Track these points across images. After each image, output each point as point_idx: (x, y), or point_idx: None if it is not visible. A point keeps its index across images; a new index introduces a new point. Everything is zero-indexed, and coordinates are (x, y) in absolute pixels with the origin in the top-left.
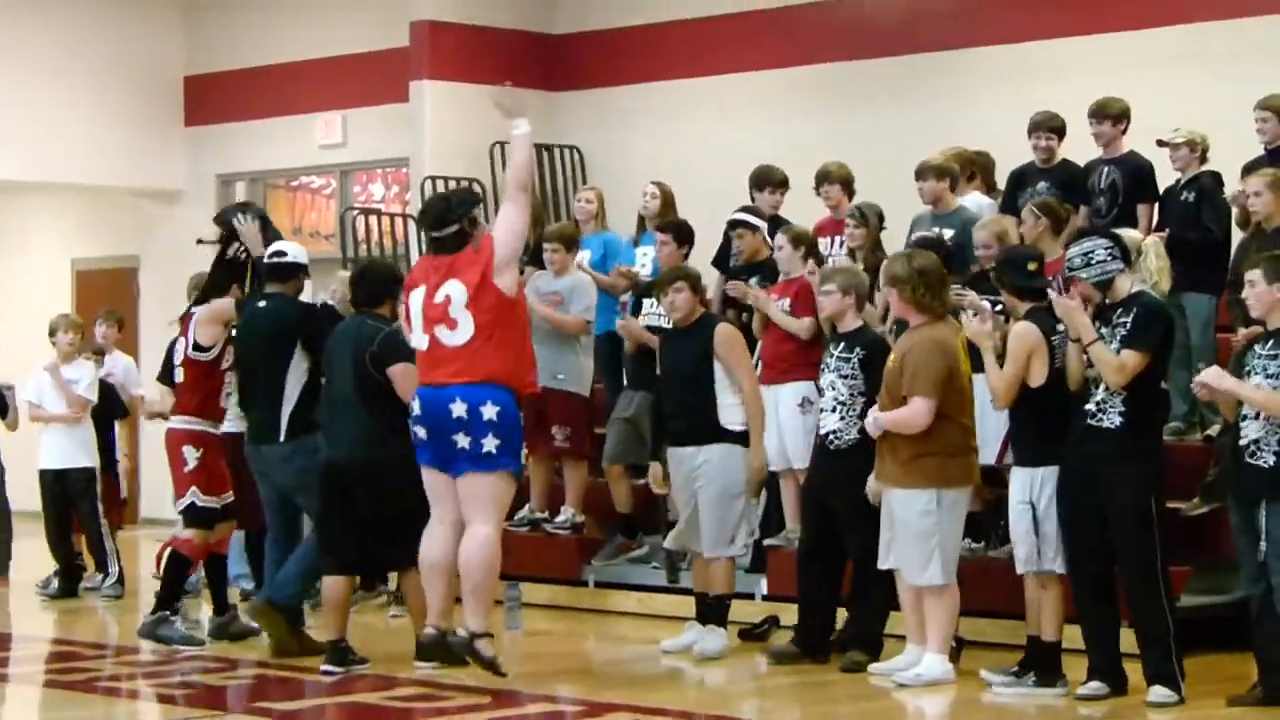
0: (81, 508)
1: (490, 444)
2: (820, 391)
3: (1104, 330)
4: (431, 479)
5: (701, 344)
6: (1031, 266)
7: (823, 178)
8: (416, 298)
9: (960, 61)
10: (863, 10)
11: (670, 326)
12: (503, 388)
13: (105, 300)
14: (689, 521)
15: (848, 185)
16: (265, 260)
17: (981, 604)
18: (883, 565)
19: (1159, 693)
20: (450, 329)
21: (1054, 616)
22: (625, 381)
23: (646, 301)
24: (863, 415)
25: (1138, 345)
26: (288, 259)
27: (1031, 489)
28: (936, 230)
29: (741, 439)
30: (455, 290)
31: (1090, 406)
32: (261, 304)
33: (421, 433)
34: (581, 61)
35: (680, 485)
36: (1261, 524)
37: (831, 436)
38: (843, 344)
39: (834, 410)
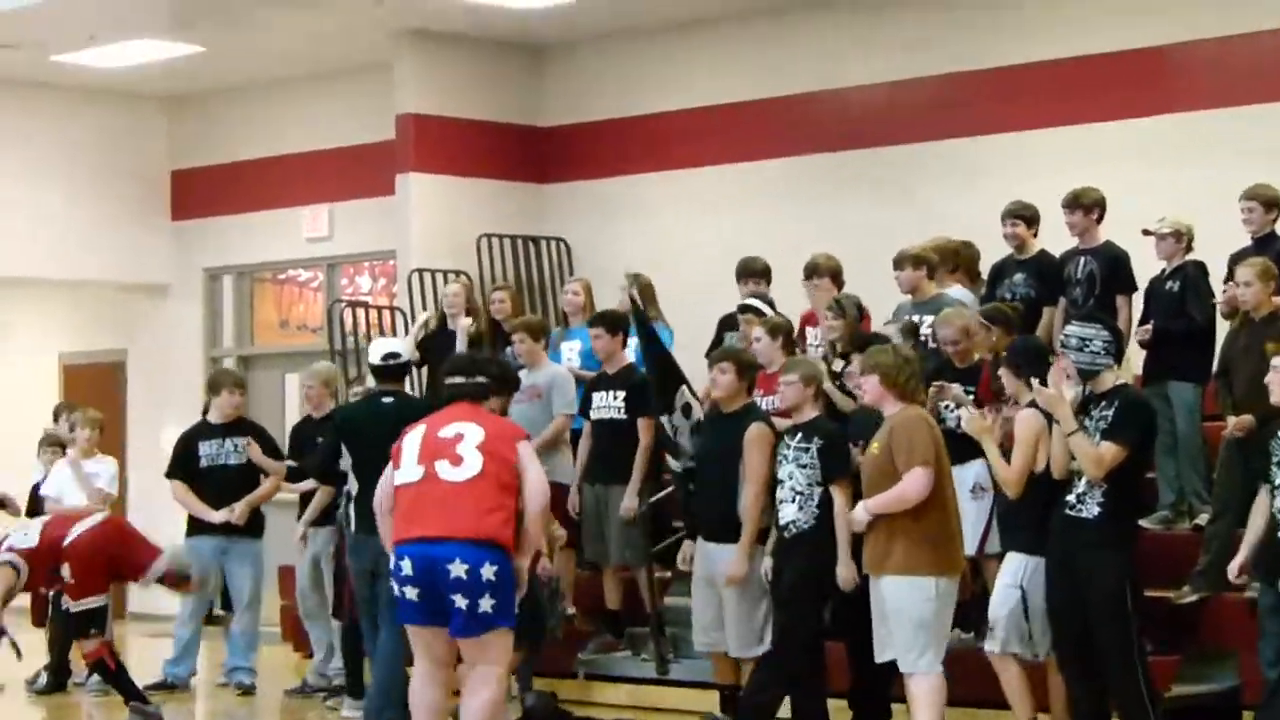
0: None
1: (487, 604)
2: (779, 482)
3: (1086, 421)
4: (422, 635)
5: (738, 434)
6: (1051, 359)
7: (811, 270)
8: (414, 435)
9: (943, 153)
10: (847, 101)
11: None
12: (499, 548)
13: (93, 395)
14: (714, 619)
15: (836, 277)
16: (379, 361)
17: (970, 694)
18: (880, 659)
19: None
20: (453, 464)
21: (1020, 699)
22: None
23: (596, 395)
24: (820, 504)
25: (1118, 438)
26: (403, 359)
27: (1023, 574)
28: (918, 317)
29: (764, 537)
30: (470, 430)
31: (1070, 497)
32: (387, 400)
33: (411, 593)
34: (568, 153)
35: (703, 580)
36: None
37: (791, 526)
38: (800, 434)
39: (792, 500)
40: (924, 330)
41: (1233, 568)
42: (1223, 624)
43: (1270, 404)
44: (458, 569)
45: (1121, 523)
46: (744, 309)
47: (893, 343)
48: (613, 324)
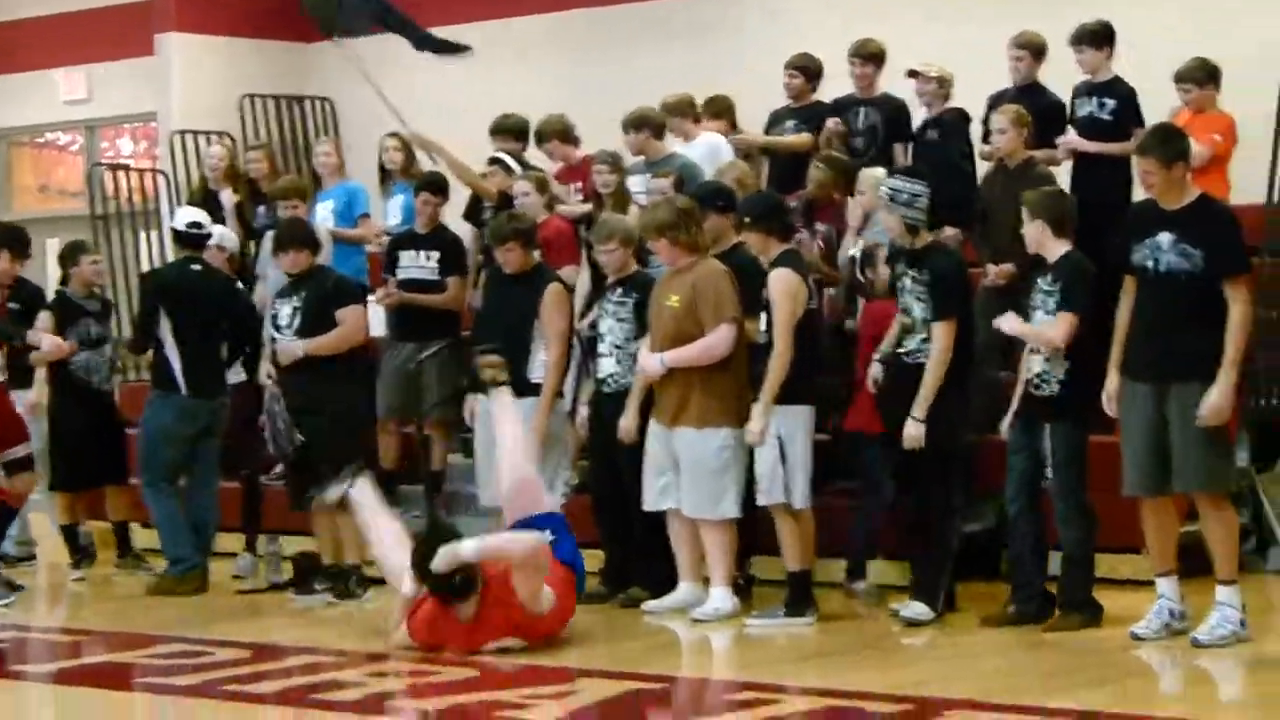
0: None
1: None
2: (600, 335)
3: (908, 274)
4: None
5: (531, 296)
6: (787, 207)
7: (538, 136)
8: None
9: (707, 7)
10: None
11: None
12: None
13: None
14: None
15: (566, 136)
16: (183, 228)
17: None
18: (657, 507)
19: (915, 608)
20: None
21: (796, 548)
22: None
23: (404, 255)
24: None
25: (947, 314)
26: (205, 229)
27: (779, 425)
28: (647, 176)
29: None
30: (510, 640)
31: (911, 346)
32: (196, 267)
33: None
34: None
35: (489, 437)
36: (1045, 445)
37: (610, 380)
38: (619, 289)
39: (610, 355)
40: (643, 187)
41: (1004, 425)
42: (985, 467)
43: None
44: None
45: (953, 370)
46: (493, 161)
47: (668, 195)
48: (443, 189)
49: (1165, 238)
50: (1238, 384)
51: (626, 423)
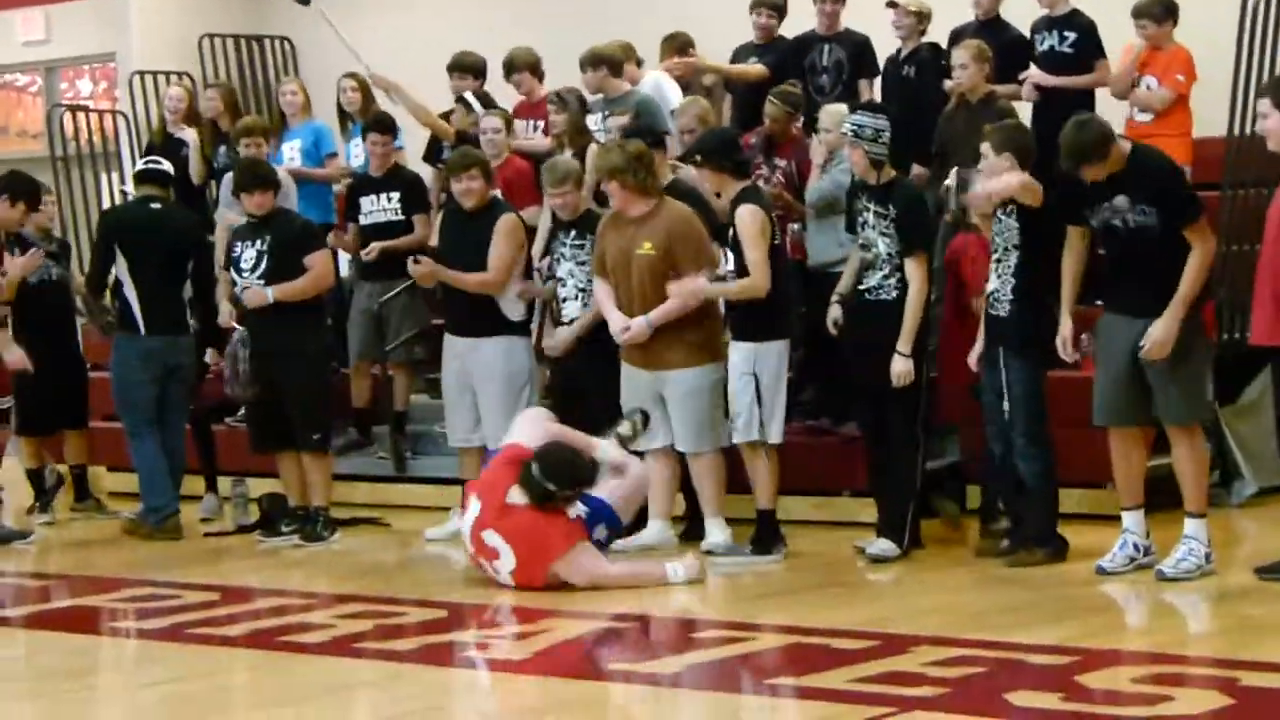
0: None
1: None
2: (560, 280)
3: (871, 209)
4: None
5: (490, 230)
6: (741, 143)
7: (508, 66)
8: (471, 512)
9: None
10: None
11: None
12: None
13: None
14: (470, 417)
15: (535, 70)
16: (141, 165)
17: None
18: (648, 447)
19: (881, 545)
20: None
21: (768, 485)
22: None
23: (365, 200)
24: None
25: (918, 249)
26: (164, 165)
27: (755, 362)
28: (607, 113)
29: (522, 329)
30: (504, 555)
31: (872, 283)
32: (155, 205)
33: None
34: None
35: (454, 376)
36: (1003, 376)
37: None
38: (574, 231)
39: (576, 298)
40: (601, 125)
41: (971, 358)
42: (946, 401)
43: None
44: None
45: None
46: (459, 100)
47: (618, 140)
48: (390, 128)
49: (1121, 200)
50: (1210, 319)
51: (560, 342)
